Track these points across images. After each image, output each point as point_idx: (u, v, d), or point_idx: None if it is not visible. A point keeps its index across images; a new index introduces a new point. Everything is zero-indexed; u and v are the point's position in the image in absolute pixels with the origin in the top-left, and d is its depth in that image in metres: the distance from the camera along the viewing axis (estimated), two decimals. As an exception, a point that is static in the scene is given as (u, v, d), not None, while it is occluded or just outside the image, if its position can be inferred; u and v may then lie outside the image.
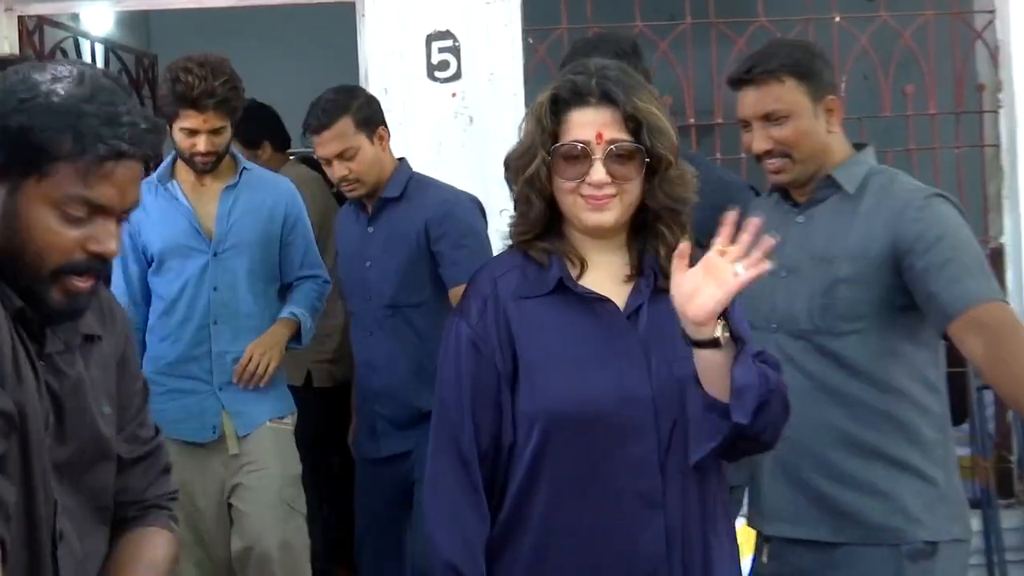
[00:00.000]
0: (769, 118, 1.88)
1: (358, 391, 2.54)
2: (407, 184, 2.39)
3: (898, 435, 1.91)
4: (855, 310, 1.85)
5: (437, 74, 3.02)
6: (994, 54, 2.99)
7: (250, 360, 2.33)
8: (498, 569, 1.43)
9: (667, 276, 1.40)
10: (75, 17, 3.70)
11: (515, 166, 1.51)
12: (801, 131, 1.89)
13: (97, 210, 0.98)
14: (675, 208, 1.47)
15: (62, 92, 0.97)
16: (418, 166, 2.57)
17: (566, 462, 1.48)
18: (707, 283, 1.33)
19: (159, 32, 4.79)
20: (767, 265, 1.32)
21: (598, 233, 1.49)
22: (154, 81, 4.08)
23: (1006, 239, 2.92)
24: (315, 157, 2.53)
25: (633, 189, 1.47)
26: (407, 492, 2.44)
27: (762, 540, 2.02)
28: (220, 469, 2.48)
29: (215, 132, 2.40)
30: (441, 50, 3.00)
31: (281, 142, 3.50)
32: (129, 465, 1.19)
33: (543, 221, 1.50)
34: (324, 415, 3.20)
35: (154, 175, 2.47)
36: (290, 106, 3.14)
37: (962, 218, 1.88)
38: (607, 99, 1.45)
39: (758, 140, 1.92)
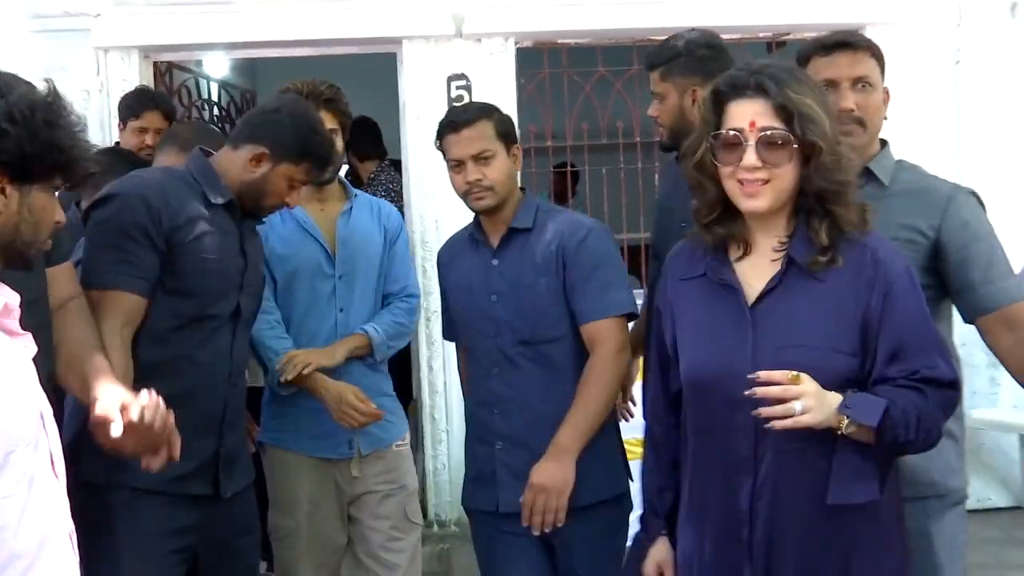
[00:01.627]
0: (856, 83, 1.94)
1: (473, 431, 2.22)
2: (536, 214, 2.14)
3: None
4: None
5: (454, 104, 3.64)
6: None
7: (288, 360, 2.26)
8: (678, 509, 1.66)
9: (821, 256, 1.49)
10: (199, 63, 4.40)
11: (688, 155, 1.57)
12: (876, 104, 1.97)
13: None
14: (834, 190, 1.49)
15: None
16: (437, 177, 3.11)
17: (696, 420, 1.63)
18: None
19: (263, 73, 5.53)
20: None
21: (755, 217, 1.53)
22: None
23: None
24: (449, 160, 2.24)
25: (785, 175, 1.50)
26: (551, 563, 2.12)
27: None
28: (346, 483, 2.46)
29: (331, 134, 2.42)
30: (457, 87, 3.76)
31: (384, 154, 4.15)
32: None
33: (719, 205, 1.55)
34: None
35: None
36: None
37: (985, 212, 1.98)
38: (761, 91, 1.49)
39: (846, 100, 1.93)
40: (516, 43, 3.91)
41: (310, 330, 2.41)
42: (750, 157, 1.45)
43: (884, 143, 1.99)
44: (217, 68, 4.75)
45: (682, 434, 1.65)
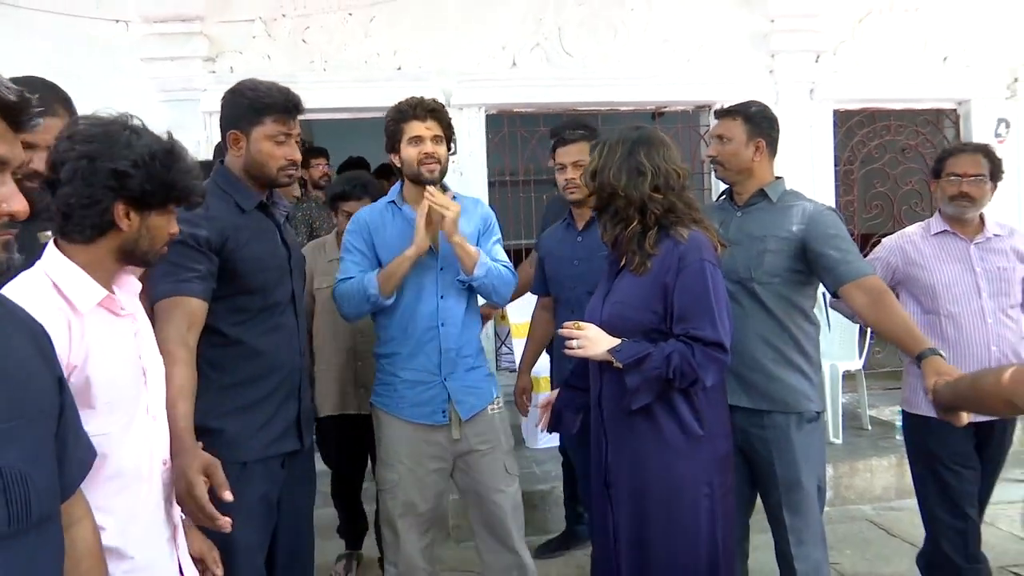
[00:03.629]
0: (719, 138, 2.49)
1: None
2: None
3: (792, 347, 2.45)
4: (773, 269, 2.43)
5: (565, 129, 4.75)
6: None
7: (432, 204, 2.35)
8: None
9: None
10: None
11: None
12: (732, 151, 2.46)
13: None
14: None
15: None
16: None
17: None
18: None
19: (317, 130, 6.27)
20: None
21: None
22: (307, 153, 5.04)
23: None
24: (556, 163, 2.83)
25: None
26: None
27: None
28: (448, 445, 2.52)
29: (436, 140, 2.48)
30: None
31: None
32: None
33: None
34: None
35: (387, 200, 2.59)
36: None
37: (842, 222, 2.42)
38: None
39: (710, 149, 2.53)
40: (486, 111, 4.94)
41: (414, 314, 2.47)
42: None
43: (779, 178, 2.54)
44: None
45: None
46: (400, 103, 2.51)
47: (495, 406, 2.59)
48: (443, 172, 2.50)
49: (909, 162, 5.68)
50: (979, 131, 5.52)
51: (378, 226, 2.53)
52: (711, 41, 5.20)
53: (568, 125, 2.99)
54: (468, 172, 4.83)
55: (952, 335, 2.74)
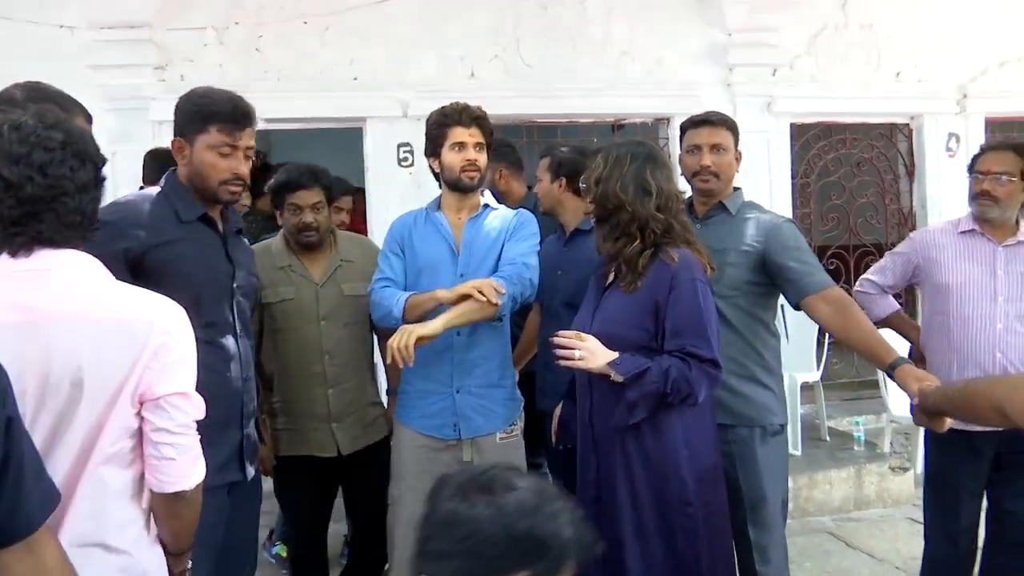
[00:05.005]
0: (713, 148, 2.43)
1: None
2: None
3: (755, 360, 2.42)
4: (734, 282, 2.40)
5: (402, 163, 4.78)
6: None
7: (395, 338, 2.19)
8: None
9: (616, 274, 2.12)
10: None
11: None
12: (727, 162, 2.44)
13: None
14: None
15: None
16: (389, 212, 3.68)
17: None
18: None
19: (275, 140, 6.03)
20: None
21: None
22: (258, 168, 5.10)
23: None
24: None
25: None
26: None
27: None
28: (455, 467, 2.34)
29: (478, 148, 2.46)
30: (404, 151, 4.79)
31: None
32: None
33: None
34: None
35: (425, 206, 2.59)
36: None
37: (801, 234, 2.40)
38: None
39: (704, 159, 2.43)
40: (444, 122, 5.13)
41: (432, 318, 2.37)
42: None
43: (737, 189, 2.51)
44: None
45: None
46: (445, 107, 2.47)
47: (506, 434, 2.48)
48: (482, 179, 2.49)
49: (864, 175, 5.76)
50: (931, 145, 5.65)
51: (411, 230, 2.52)
52: (670, 54, 5.23)
53: (569, 157, 2.89)
54: (427, 183, 4.75)
55: (958, 337, 2.62)
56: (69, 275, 1.40)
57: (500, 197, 3.25)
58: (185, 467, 1.48)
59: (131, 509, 1.47)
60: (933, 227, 2.83)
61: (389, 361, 2.21)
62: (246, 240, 2.30)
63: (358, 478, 2.80)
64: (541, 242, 2.58)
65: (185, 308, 1.82)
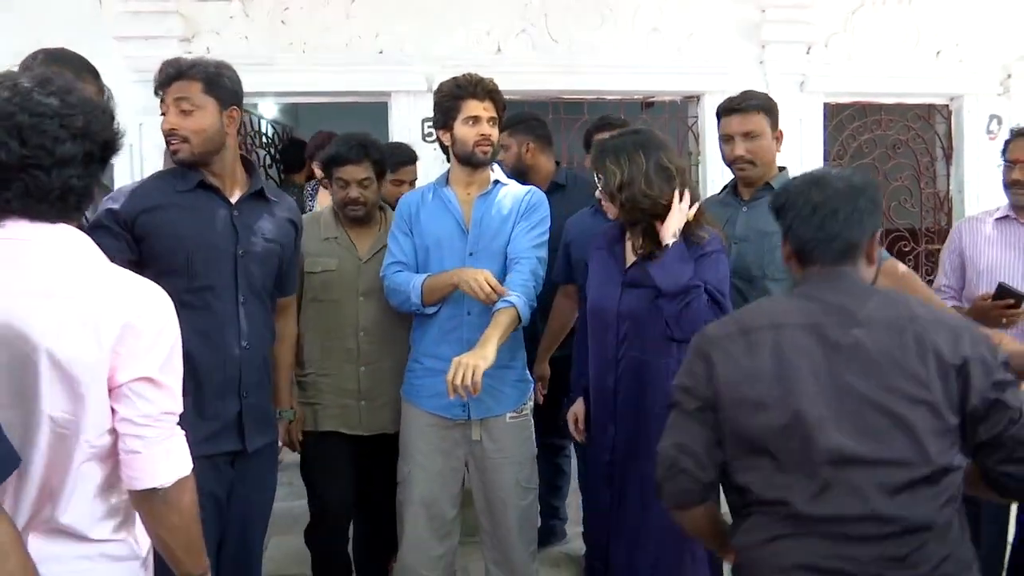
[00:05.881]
0: (746, 136, 2.42)
1: None
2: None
3: None
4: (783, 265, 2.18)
5: (427, 138, 4.55)
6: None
7: (454, 373, 2.13)
8: None
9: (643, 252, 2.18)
10: (254, 105, 5.19)
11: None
12: (764, 147, 2.44)
13: None
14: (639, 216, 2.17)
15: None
16: (413, 187, 3.45)
17: (591, 333, 2.36)
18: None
19: (303, 114, 6.28)
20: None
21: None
22: (286, 142, 5.38)
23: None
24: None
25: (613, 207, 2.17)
26: None
27: None
28: (463, 443, 2.44)
29: (492, 122, 2.41)
30: (429, 126, 4.50)
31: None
32: None
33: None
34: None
35: (433, 182, 2.56)
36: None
37: None
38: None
39: (738, 149, 2.42)
40: (470, 98, 5.05)
41: (448, 300, 2.39)
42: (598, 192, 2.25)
43: (783, 168, 2.52)
44: (267, 110, 5.56)
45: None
46: (458, 79, 2.42)
47: (516, 414, 2.48)
48: (495, 154, 2.46)
49: (899, 157, 5.61)
50: (971, 127, 5.46)
51: (418, 208, 2.48)
52: (701, 31, 5.11)
53: (600, 124, 3.03)
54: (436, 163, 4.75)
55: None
56: (44, 250, 1.33)
57: (527, 171, 3.26)
58: (153, 462, 1.36)
59: (111, 501, 1.41)
60: (973, 216, 2.84)
61: (452, 397, 2.21)
62: (283, 208, 2.28)
63: (380, 465, 2.77)
64: (569, 216, 2.61)
65: (176, 271, 1.93)
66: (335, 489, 2.78)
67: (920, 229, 5.48)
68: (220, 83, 2.10)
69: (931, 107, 5.60)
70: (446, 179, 2.51)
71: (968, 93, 5.45)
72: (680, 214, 2.09)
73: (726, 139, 2.45)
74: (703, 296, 2.04)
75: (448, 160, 2.52)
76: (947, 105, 5.59)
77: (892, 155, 5.61)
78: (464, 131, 2.40)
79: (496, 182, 2.49)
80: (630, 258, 2.26)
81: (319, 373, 2.75)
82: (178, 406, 1.41)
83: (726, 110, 2.46)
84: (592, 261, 2.37)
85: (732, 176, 2.76)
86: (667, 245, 2.07)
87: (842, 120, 5.47)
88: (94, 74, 2.07)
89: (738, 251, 2.34)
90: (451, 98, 2.41)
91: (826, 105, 5.28)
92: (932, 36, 5.39)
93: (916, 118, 5.61)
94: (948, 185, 5.63)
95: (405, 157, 3.39)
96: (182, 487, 1.40)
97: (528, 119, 3.32)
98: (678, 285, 2.03)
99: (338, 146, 2.76)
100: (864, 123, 5.51)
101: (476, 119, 2.39)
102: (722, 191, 2.62)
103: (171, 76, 2.05)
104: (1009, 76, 5.47)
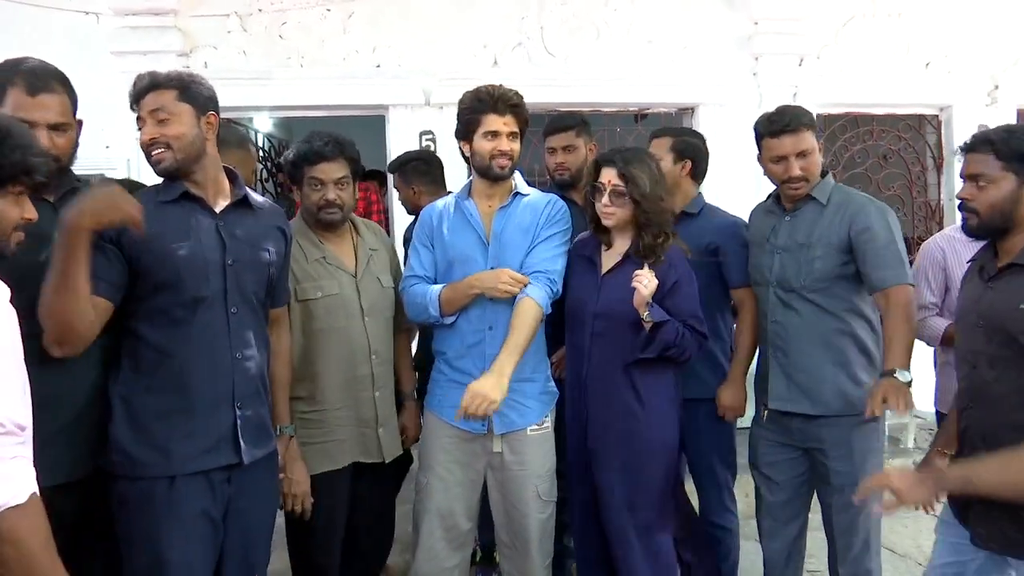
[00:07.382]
0: (799, 155, 2.37)
1: None
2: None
3: (850, 348, 2.39)
4: (823, 275, 2.40)
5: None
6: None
7: (470, 402, 2.13)
8: None
9: (647, 256, 2.38)
10: (250, 119, 5.20)
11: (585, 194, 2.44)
12: (815, 163, 2.40)
13: None
14: (649, 222, 2.36)
15: None
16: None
17: (567, 327, 2.58)
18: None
19: (296, 128, 5.91)
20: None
21: (612, 228, 2.42)
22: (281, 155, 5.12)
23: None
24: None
25: (622, 210, 2.33)
26: None
27: (764, 409, 2.57)
28: (483, 455, 2.41)
29: (512, 137, 2.39)
30: (426, 139, 4.76)
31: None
32: None
33: (595, 220, 2.45)
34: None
35: (455, 194, 2.53)
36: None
37: (888, 220, 2.31)
38: (614, 163, 2.32)
39: (793, 170, 2.38)
40: (466, 110, 5.05)
41: (464, 314, 2.38)
42: (604, 199, 2.33)
43: (824, 173, 2.47)
44: (262, 124, 5.58)
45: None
46: (480, 91, 2.39)
47: (538, 427, 2.45)
48: (514, 167, 2.45)
49: (891, 167, 5.67)
50: (961, 137, 5.26)
51: (440, 220, 2.47)
52: (695, 43, 5.17)
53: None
54: (449, 171, 4.72)
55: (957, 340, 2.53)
56: None
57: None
58: None
59: None
60: (946, 232, 2.89)
61: (457, 419, 2.28)
62: (271, 216, 2.20)
63: (373, 485, 2.61)
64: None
65: (169, 284, 1.93)
66: (335, 521, 2.53)
67: (912, 238, 5.51)
68: (194, 89, 2.04)
69: (921, 118, 5.67)
70: (468, 191, 2.49)
71: (957, 103, 5.52)
72: (647, 291, 2.26)
73: (778, 160, 2.40)
74: (676, 327, 2.30)
75: (469, 172, 2.53)
76: (937, 115, 5.66)
77: (884, 165, 5.67)
78: (482, 145, 2.38)
79: (516, 194, 2.46)
80: (606, 265, 2.42)
81: (327, 408, 2.47)
82: (10, 422, 1.24)
83: (774, 132, 2.39)
84: (574, 263, 2.48)
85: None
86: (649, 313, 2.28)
87: (834, 131, 5.53)
88: (62, 80, 2.00)
89: (780, 261, 2.38)
90: (472, 111, 2.39)
91: (819, 115, 5.22)
92: (921, 48, 5.46)
93: (907, 128, 5.68)
94: (939, 194, 5.69)
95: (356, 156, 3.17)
96: (18, 515, 1.22)
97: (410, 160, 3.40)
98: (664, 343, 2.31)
99: (310, 142, 2.49)
100: (856, 133, 5.57)
101: (495, 134, 2.37)
102: (768, 199, 2.61)
103: (144, 88, 2.01)
104: (997, 87, 5.54)
